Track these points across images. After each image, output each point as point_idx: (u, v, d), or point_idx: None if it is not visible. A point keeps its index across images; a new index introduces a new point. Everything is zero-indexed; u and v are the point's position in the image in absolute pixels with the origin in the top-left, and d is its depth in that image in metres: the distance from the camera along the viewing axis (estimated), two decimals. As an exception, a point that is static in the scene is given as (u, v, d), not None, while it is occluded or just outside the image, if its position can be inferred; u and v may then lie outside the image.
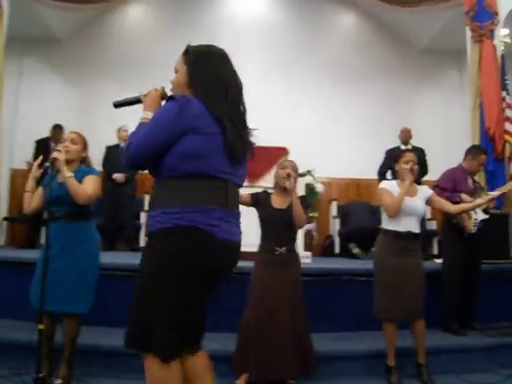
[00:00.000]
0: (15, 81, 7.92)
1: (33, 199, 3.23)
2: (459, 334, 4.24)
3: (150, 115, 1.98)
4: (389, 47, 8.67)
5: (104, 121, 7.91)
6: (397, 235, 3.51)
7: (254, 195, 3.45)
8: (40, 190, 3.25)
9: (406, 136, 6.75)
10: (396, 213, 3.45)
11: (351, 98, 8.38)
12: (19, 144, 7.14)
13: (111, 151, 6.84)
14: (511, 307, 4.62)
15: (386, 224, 3.59)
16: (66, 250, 3.06)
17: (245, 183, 5.08)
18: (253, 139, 2.09)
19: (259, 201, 3.42)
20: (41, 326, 2.91)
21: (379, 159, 6.61)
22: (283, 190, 3.36)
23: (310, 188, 6.54)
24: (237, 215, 2.01)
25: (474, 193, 4.33)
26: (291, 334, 3.21)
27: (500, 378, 3.67)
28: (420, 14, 7.45)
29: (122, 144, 6.83)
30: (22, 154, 6.81)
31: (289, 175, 3.25)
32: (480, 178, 5.41)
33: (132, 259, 4.88)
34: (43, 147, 6.52)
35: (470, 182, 4.52)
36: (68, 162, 3.11)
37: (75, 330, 3.16)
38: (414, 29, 8.43)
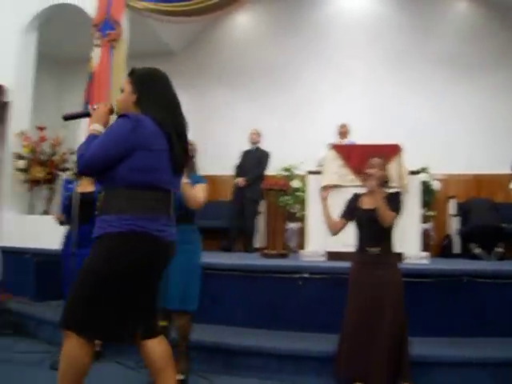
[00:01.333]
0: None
1: None
2: None
3: (100, 128, 2.22)
4: (505, 33, 8.03)
5: (217, 127, 8.23)
6: None
7: (344, 213, 3.43)
8: None
9: None
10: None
11: (466, 90, 7.89)
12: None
13: (243, 154, 7.05)
14: None
15: None
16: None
17: (356, 183, 5.04)
18: (190, 151, 2.43)
19: (350, 208, 3.40)
20: (163, 323, 3.09)
21: (500, 153, 6.17)
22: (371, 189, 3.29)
23: (425, 186, 6.27)
24: (173, 218, 2.30)
25: None
26: (384, 336, 3.06)
27: None
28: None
29: (253, 147, 7.01)
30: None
31: (369, 175, 3.17)
32: None
33: (246, 260, 5.02)
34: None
35: None
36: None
37: (187, 326, 3.30)
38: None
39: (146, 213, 2.11)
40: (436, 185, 6.61)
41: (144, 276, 2.15)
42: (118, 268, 2.07)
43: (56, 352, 3.69)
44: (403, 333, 3.13)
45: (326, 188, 3.41)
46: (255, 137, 7.05)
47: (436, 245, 7.02)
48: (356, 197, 3.45)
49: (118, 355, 3.87)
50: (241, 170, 6.92)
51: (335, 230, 3.46)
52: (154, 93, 2.27)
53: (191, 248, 3.34)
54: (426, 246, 5.63)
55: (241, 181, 6.74)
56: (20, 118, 6.79)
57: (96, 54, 6.22)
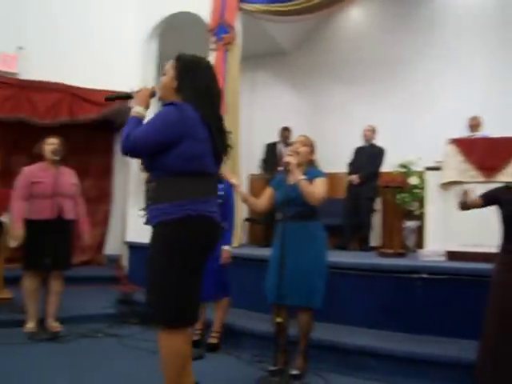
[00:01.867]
0: (249, 94, 8.66)
1: (262, 199, 3.49)
2: None
3: (142, 111, 2.32)
4: None
5: (333, 123, 8.16)
6: None
7: (486, 195, 3.20)
8: (269, 190, 3.50)
9: None
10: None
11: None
12: (255, 152, 7.74)
13: (357, 151, 6.98)
14: None
15: None
16: (298, 248, 3.23)
17: (480, 178, 4.72)
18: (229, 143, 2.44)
19: (497, 198, 3.14)
20: (278, 319, 3.13)
21: None
22: None
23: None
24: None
25: None
26: None
27: None
28: None
29: (367, 144, 6.92)
30: (257, 161, 7.46)
31: None
32: None
33: (363, 259, 4.93)
34: (272, 150, 7.29)
35: None
36: (298, 164, 3.28)
37: (309, 324, 3.30)
38: None
39: (198, 196, 2.24)
40: None
41: (203, 256, 2.31)
42: (181, 252, 2.19)
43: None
44: None
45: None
46: (369, 133, 6.91)
47: None
48: (507, 190, 3.20)
49: (234, 348, 3.99)
50: (354, 167, 6.81)
51: (472, 206, 3.27)
52: (195, 81, 2.30)
53: (317, 245, 3.35)
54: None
55: (355, 178, 6.63)
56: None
57: (212, 58, 6.46)
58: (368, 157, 6.73)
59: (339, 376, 3.51)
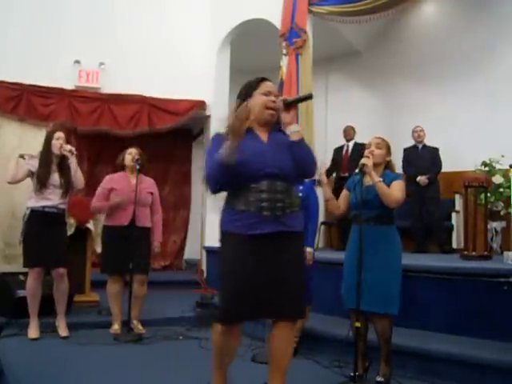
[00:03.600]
0: (323, 96, 8.62)
1: (340, 202, 3.46)
2: None
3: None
4: None
5: (409, 123, 7.94)
6: None
7: None
8: (345, 192, 3.47)
9: None
10: None
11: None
12: (329, 156, 7.65)
13: (410, 152, 6.81)
14: None
15: None
16: (374, 251, 3.17)
17: None
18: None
19: None
20: (357, 324, 3.09)
21: None
22: None
23: None
24: None
25: None
26: None
27: None
28: None
29: (419, 145, 6.76)
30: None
31: None
32: None
33: (444, 261, 4.76)
34: (339, 153, 7.33)
35: None
36: (374, 166, 3.23)
37: (387, 329, 3.22)
38: None
39: None
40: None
41: None
42: None
43: (257, 346, 3.96)
44: None
45: None
46: (421, 133, 6.74)
47: None
48: None
49: (313, 353, 3.98)
50: (412, 167, 6.65)
51: None
52: None
53: (392, 248, 3.28)
54: None
55: (423, 179, 6.44)
56: (219, 129, 7.42)
57: (284, 63, 6.50)
58: (425, 157, 6.58)
59: (420, 383, 3.40)
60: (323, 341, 4.09)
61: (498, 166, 6.23)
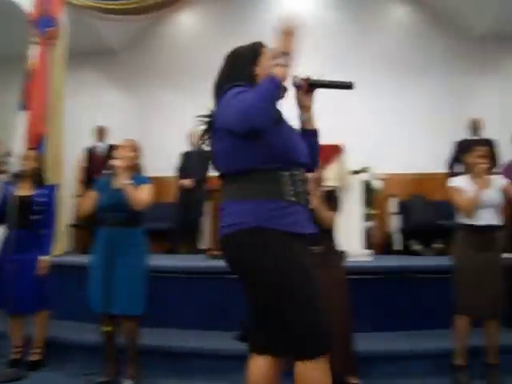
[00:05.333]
0: (74, 94, 8.23)
1: (86, 203, 3.36)
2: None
3: None
4: (444, 35, 8.34)
5: (160, 128, 8.11)
6: (477, 229, 3.38)
7: None
8: (92, 193, 3.38)
9: (475, 126, 6.55)
10: (473, 213, 3.34)
11: (407, 91, 8.14)
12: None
13: (187, 157, 6.99)
14: None
15: (464, 218, 3.46)
16: (119, 254, 3.16)
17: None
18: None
19: None
20: (106, 329, 3.03)
21: (441, 152, 6.43)
22: None
23: (366, 185, 6.42)
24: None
25: None
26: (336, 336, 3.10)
27: None
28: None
29: (194, 149, 6.97)
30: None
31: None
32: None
33: (194, 261, 4.98)
34: (91, 153, 7.08)
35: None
36: (124, 168, 3.20)
37: (134, 331, 3.24)
38: (471, 14, 8.08)
39: None
40: (377, 184, 6.77)
41: None
42: None
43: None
44: (350, 330, 3.20)
45: None
46: (196, 138, 7.02)
47: (378, 242, 7.19)
48: None
49: (60, 363, 3.76)
50: (183, 171, 6.85)
51: None
52: None
53: (138, 250, 3.28)
54: (369, 244, 5.77)
55: (188, 182, 6.68)
56: None
57: (34, 52, 5.96)
58: (197, 161, 6.83)
59: (173, 380, 3.49)
60: (71, 349, 3.88)
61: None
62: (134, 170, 3.37)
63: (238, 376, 3.47)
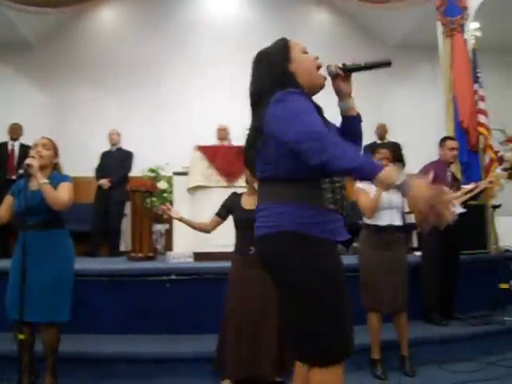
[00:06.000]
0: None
1: (2, 209, 3.17)
2: (441, 325, 4.30)
3: None
4: (362, 44, 8.71)
5: (79, 126, 7.84)
6: (378, 229, 3.53)
7: (220, 210, 3.44)
8: (9, 198, 3.19)
9: (381, 131, 7.04)
10: (372, 214, 3.49)
11: (325, 95, 8.39)
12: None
13: (105, 156, 6.76)
14: (490, 296, 4.69)
15: (368, 219, 3.60)
16: (41, 259, 3.00)
17: (222, 183, 5.10)
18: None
19: (228, 208, 3.42)
20: (20, 337, 2.86)
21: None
22: (254, 189, 3.33)
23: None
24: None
25: (452, 186, 4.40)
26: (271, 333, 3.17)
27: (482, 365, 3.74)
28: (392, 10, 7.52)
29: (114, 148, 6.79)
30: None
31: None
32: (456, 169, 5.48)
33: (112, 264, 4.85)
34: (2, 153, 6.65)
35: (448, 174, 4.58)
36: (40, 168, 3.05)
37: (56, 338, 3.09)
38: (386, 25, 8.50)
39: None
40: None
41: None
42: None
43: None
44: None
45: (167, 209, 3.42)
46: (115, 137, 6.86)
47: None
48: (235, 196, 3.47)
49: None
50: (102, 171, 6.67)
51: (208, 230, 3.44)
52: None
53: (62, 255, 3.12)
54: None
55: (106, 182, 6.50)
56: None
57: None
58: (116, 161, 6.67)
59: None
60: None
61: (163, 173, 6.73)
62: (53, 169, 3.20)
63: (160, 380, 3.45)
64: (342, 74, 1.96)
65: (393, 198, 3.54)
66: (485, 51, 6.30)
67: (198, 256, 4.97)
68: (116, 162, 6.67)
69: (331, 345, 1.70)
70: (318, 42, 8.72)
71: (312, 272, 1.71)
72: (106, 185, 6.49)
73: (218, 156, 5.27)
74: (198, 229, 3.43)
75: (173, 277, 4.17)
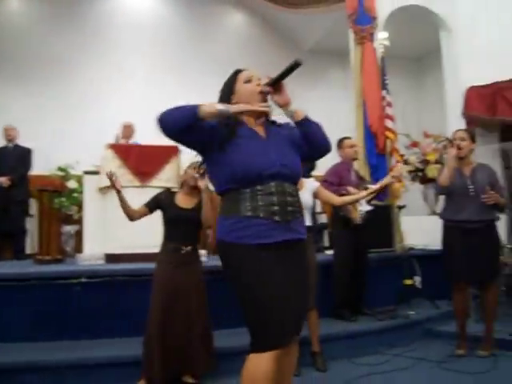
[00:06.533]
0: None
1: None
2: (351, 321, 4.46)
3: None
4: (276, 47, 8.88)
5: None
6: None
7: (151, 202, 3.40)
8: None
9: None
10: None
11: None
12: None
13: (1, 152, 6.36)
14: (395, 292, 4.94)
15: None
16: None
17: (135, 183, 4.99)
18: None
19: (160, 203, 3.38)
20: None
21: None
22: (192, 189, 3.33)
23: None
24: None
25: (358, 185, 4.57)
26: (194, 333, 3.21)
27: (388, 357, 3.93)
28: (306, 15, 7.72)
29: (10, 145, 6.40)
30: None
31: (202, 174, 3.21)
32: (364, 171, 5.72)
33: (17, 268, 4.58)
34: None
35: (353, 174, 4.75)
36: None
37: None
38: (300, 30, 8.72)
39: None
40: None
41: None
42: None
43: None
44: (209, 327, 3.34)
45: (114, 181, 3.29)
46: (12, 133, 6.47)
47: (213, 243, 7.33)
48: (169, 193, 3.44)
49: None
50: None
51: (133, 217, 3.36)
52: None
53: None
54: (203, 245, 5.84)
55: (5, 180, 6.12)
56: None
57: None
58: (15, 158, 6.31)
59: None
60: None
61: (72, 172, 6.45)
62: None
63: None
64: (271, 90, 2.10)
65: (302, 197, 3.60)
66: (392, 59, 6.64)
67: (110, 258, 4.82)
68: (14, 159, 6.29)
69: (258, 335, 1.94)
70: (233, 43, 8.84)
71: (233, 274, 2.00)
72: (6, 183, 6.11)
73: (131, 155, 5.14)
74: (126, 212, 3.33)
75: (83, 280, 4.01)
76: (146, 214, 3.40)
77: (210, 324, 3.37)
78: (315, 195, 3.74)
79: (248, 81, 2.14)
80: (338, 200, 3.84)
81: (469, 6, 6.56)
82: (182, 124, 1.92)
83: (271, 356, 1.91)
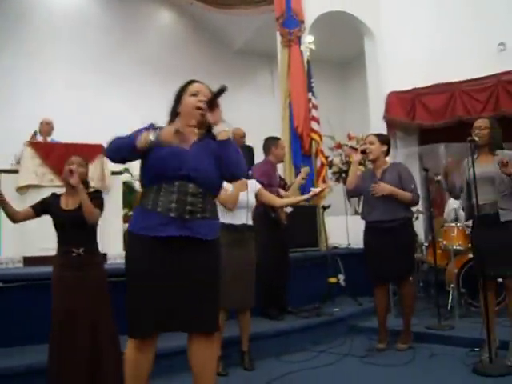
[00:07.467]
0: None
1: None
2: (278, 319, 4.51)
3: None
4: (206, 46, 8.86)
5: None
6: (232, 228, 3.57)
7: (37, 205, 3.23)
8: None
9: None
10: (234, 207, 3.53)
11: (165, 95, 8.35)
12: None
13: None
14: (320, 290, 5.05)
15: (222, 217, 3.62)
16: None
17: (56, 183, 4.81)
18: None
19: (47, 207, 3.21)
20: None
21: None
22: (71, 187, 3.15)
23: (127, 186, 6.40)
24: None
25: (282, 185, 4.63)
26: (90, 340, 3.01)
27: (314, 354, 4.01)
28: (234, 16, 7.74)
29: None
30: None
31: (71, 171, 3.07)
32: (290, 172, 5.82)
33: None
34: None
35: (277, 175, 4.80)
36: None
37: None
38: (229, 30, 8.74)
39: None
40: (138, 185, 6.80)
41: None
42: None
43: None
44: (112, 331, 3.12)
45: None
46: None
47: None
48: (55, 197, 3.24)
49: None
50: None
51: (16, 219, 3.18)
52: None
53: None
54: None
55: None
56: None
57: None
58: None
59: None
60: None
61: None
62: None
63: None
64: (206, 107, 2.28)
65: (246, 198, 3.60)
66: (319, 63, 6.79)
67: (28, 261, 4.60)
68: None
69: (130, 322, 2.15)
70: (162, 42, 8.71)
71: (126, 258, 2.25)
72: None
73: (52, 154, 4.94)
74: (9, 213, 3.14)
75: (0, 284, 3.79)
76: (31, 217, 3.21)
77: (113, 328, 3.13)
78: (256, 196, 3.75)
79: (194, 94, 2.30)
80: (279, 202, 3.87)
81: (393, 15, 6.85)
82: (123, 155, 2.24)
83: (132, 344, 2.14)
